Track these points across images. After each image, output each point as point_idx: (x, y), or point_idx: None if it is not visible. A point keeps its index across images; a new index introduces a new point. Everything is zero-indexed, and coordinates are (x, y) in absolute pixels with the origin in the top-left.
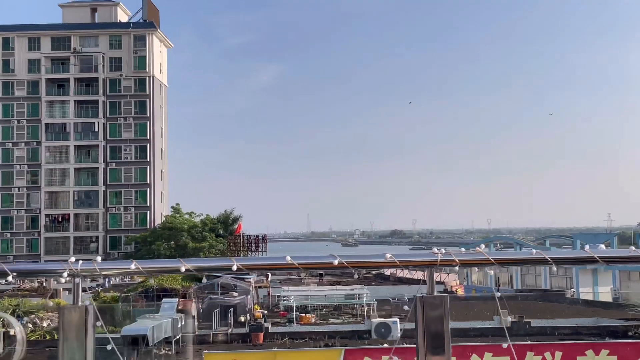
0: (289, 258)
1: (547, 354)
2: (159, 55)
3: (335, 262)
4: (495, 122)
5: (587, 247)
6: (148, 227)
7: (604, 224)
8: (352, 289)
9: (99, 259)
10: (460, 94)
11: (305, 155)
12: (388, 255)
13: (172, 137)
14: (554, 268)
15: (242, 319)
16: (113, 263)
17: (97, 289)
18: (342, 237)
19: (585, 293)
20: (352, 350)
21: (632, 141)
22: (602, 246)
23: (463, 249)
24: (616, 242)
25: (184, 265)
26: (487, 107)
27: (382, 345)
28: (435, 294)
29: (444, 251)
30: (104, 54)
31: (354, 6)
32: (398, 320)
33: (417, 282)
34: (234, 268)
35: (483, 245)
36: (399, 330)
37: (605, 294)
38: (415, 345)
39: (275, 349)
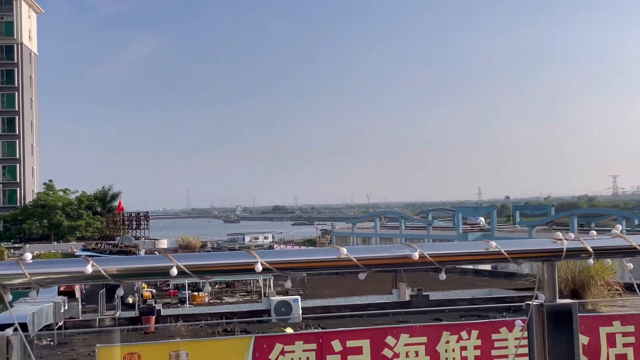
0: (344, 252)
1: (464, 333)
2: (27, 21)
3: (415, 256)
4: (369, 100)
5: (480, 219)
6: (18, 204)
7: (474, 197)
8: None
9: (28, 256)
10: (337, 65)
11: (184, 129)
12: (493, 244)
13: (44, 109)
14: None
15: (131, 300)
16: (56, 264)
17: None
18: (223, 213)
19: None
20: (262, 338)
21: (499, 121)
22: (482, 219)
23: (594, 232)
24: (495, 214)
25: (175, 265)
26: (361, 84)
27: (285, 328)
28: (559, 300)
29: (572, 236)
30: None
31: None
32: (299, 297)
33: None
34: (259, 268)
35: (619, 227)
36: (300, 309)
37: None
38: None
39: (178, 339)
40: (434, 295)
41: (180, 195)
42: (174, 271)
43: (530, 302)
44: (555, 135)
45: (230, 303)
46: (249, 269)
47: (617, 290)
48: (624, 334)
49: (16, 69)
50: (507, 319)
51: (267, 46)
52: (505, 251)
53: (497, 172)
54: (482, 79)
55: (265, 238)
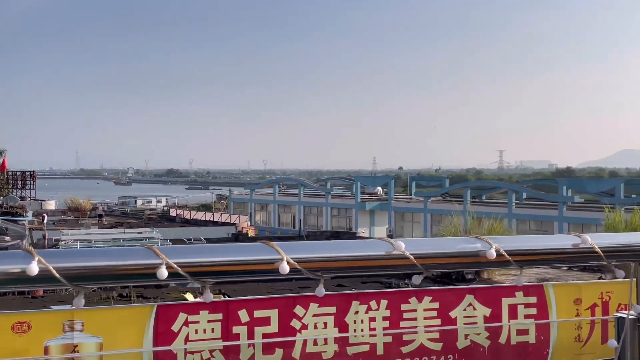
0: (400, 247)
1: (373, 303)
2: None
3: (492, 254)
4: (271, 65)
5: (378, 188)
6: None
7: (370, 167)
8: (141, 232)
9: None
10: (224, 29)
11: (74, 86)
12: (588, 240)
13: None
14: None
15: None
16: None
17: None
18: (114, 175)
19: (361, 230)
20: (165, 307)
21: (393, 92)
22: (379, 188)
23: None
24: (393, 184)
25: (164, 264)
26: (262, 49)
27: (185, 294)
28: None
29: None
30: None
31: None
32: None
33: (205, 223)
34: (285, 269)
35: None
36: None
37: (381, 233)
38: None
39: (71, 306)
40: None
41: (68, 155)
42: (163, 273)
43: (623, 315)
44: (445, 110)
45: None
46: (270, 270)
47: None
48: (526, 305)
49: None
50: (418, 288)
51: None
52: (602, 249)
53: (390, 143)
54: (389, 52)
55: (159, 202)
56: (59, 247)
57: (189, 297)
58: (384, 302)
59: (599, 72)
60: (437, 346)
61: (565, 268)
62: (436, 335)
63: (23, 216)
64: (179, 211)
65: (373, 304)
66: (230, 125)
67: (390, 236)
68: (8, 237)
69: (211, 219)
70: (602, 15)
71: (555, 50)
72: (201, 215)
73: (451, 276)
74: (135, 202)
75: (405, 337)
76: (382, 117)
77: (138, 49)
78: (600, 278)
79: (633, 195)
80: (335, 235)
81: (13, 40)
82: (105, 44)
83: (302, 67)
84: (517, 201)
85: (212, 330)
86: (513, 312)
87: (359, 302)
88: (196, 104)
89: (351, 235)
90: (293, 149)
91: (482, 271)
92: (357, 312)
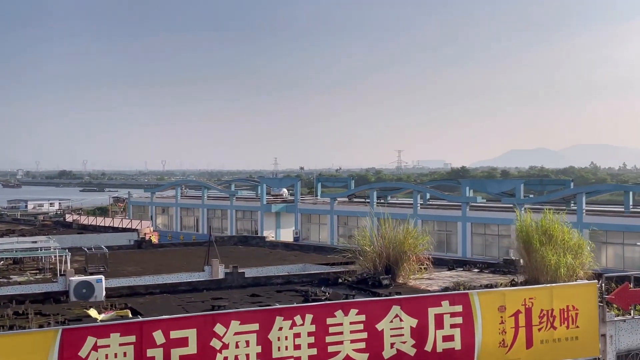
0: None
1: (297, 318)
2: None
3: None
4: (165, 66)
5: (284, 190)
6: None
7: (270, 167)
8: (35, 241)
9: None
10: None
11: None
12: None
13: None
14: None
15: None
16: None
17: None
18: (2, 177)
19: (268, 234)
20: (71, 331)
21: (291, 92)
22: (285, 190)
23: None
24: (299, 185)
25: None
26: (157, 50)
27: (89, 310)
28: None
29: None
30: None
31: None
32: (103, 277)
33: (105, 229)
34: None
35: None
36: (104, 290)
37: (287, 235)
38: None
39: None
40: (250, 272)
41: None
42: None
43: None
44: (343, 110)
45: (20, 283)
46: None
47: (427, 265)
48: (452, 314)
49: None
50: (343, 300)
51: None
52: None
53: (291, 142)
54: (286, 51)
55: (52, 205)
56: None
57: (93, 313)
58: (309, 317)
59: (488, 75)
60: (363, 357)
61: (476, 270)
62: (362, 345)
63: None
64: (75, 216)
65: (298, 319)
66: (125, 125)
67: (296, 239)
68: None
69: (110, 224)
70: (482, 18)
71: (447, 52)
72: (100, 221)
73: (367, 282)
74: (26, 205)
75: (330, 349)
76: (280, 116)
77: (37, 45)
78: (512, 281)
79: (531, 195)
80: (244, 239)
81: None
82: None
83: (197, 66)
84: (421, 201)
85: (125, 354)
86: (439, 322)
87: (282, 318)
88: (88, 104)
89: (260, 239)
90: (191, 149)
91: (398, 275)
92: (281, 329)
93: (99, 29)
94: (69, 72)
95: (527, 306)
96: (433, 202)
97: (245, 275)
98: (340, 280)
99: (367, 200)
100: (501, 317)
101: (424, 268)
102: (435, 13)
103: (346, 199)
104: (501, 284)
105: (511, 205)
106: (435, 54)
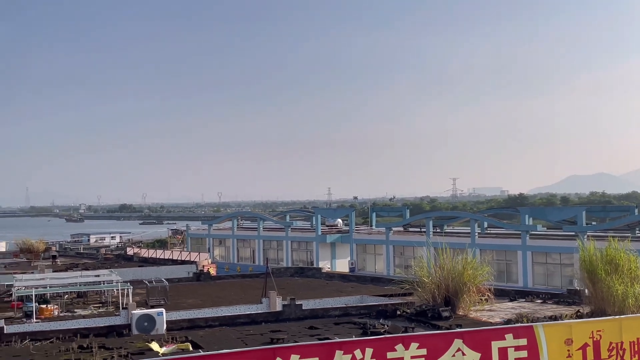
0: None
1: (357, 352)
2: None
3: None
4: (219, 97)
5: (338, 220)
6: None
7: (324, 197)
8: (98, 275)
9: None
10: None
11: (20, 122)
12: None
13: None
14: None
15: None
16: None
17: None
18: (66, 212)
19: (324, 265)
20: None
21: (347, 122)
22: (340, 220)
23: None
24: (354, 216)
25: None
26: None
27: (151, 343)
28: None
29: None
30: None
31: None
32: (164, 311)
33: (164, 262)
34: None
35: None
36: (164, 323)
37: (343, 266)
38: None
39: None
40: (307, 304)
41: (18, 192)
42: None
43: None
44: (396, 139)
45: (84, 316)
46: None
47: (487, 296)
48: (516, 348)
49: None
50: (403, 333)
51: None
52: None
53: (344, 172)
54: (331, 80)
55: (113, 238)
56: (11, 294)
57: (155, 346)
58: (369, 351)
59: (547, 103)
60: None
61: (539, 301)
62: None
63: None
64: (136, 250)
65: (358, 353)
66: (183, 158)
67: (352, 269)
68: None
69: (170, 257)
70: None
71: (504, 82)
72: (159, 254)
73: (427, 314)
74: (89, 239)
75: None
76: (335, 144)
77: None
78: (577, 312)
79: (593, 222)
80: (300, 271)
81: None
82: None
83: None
84: (479, 230)
85: None
86: (503, 356)
87: (342, 352)
88: (147, 139)
89: (316, 270)
90: (246, 181)
91: (458, 307)
92: None
93: (159, 67)
94: (129, 109)
95: (595, 339)
96: (491, 231)
97: (303, 307)
98: (398, 312)
99: (423, 229)
100: (568, 350)
101: (485, 299)
102: (488, 46)
103: (401, 229)
104: (566, 316)
105: (573, 234)
106: (486, 81)
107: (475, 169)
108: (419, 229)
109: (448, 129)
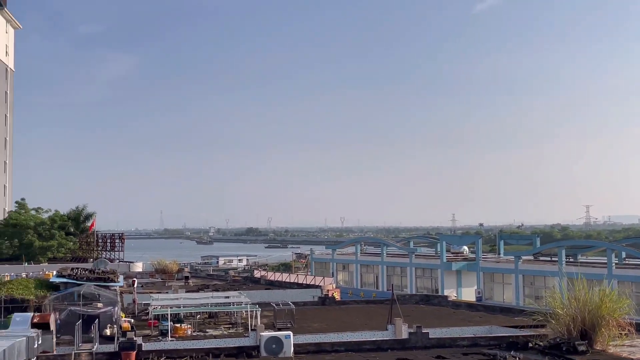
0: None
1: None
2: (5, 36)
3: None
4: (344, 124)
5: (464, 248)
6: None
7: (448, 223)
8: (228, 296)
9: None
10: (310, 95)
11: (159, 151)
12: None
13: (19, 126)
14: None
15: (109, 331)
16: None
17: None
18: (196, 234)
19: (449, 293)
20: None
21: (470, 147)
22: (465, 247)
23: None
24: (480, 243)
25: None
26: (334, 109)
27: None
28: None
29: None
30: None
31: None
32: (291, 334)
33: (290, 285)
34: None
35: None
36: (292, 346)
37: (469, 295)
38: None
39: None
40: (434, 333)
41: (153, 214)
42: None
43: None
44: (525, 163)
45: (215, 337)
46: None
47: (628, 331)
48: None
49: None
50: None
51: (248, 66)
52: None
53: (469, 198)
54: (454, 106)
55: (240, 261)
56: (148, 312)
57: None
58: None
59: None
60: None
61: None
62: None
63: (114, 282)
64: (262, 272)
65: None
66: (307, 183)
67: (479, 298)
68: (100, 304)
69: (295, 280)
70: None
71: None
72: (285, 277)
73: (561, 347)
74: (218, 261)
75: None
76: (459, 171)
77: (216, 109)
78: None
79: None
80: (425, 298)
81: (102, 105)
82: (186, 105)
83: (366, 128)
84: (616, 260)
85: None
86: None
87: None
88: (272, 162)
89: (442, 298)
90: (369, 205)
91: (595, 342)
92: None
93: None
94: (252, 135)
95: None
96: (630, 262)
97: (430, 336)
98: (530, 345)
99: (554, 259)
100: None
101: (625, 334)
102: (574, 56)
103: (531, 258)
104: None
105: None
106: (623, 104)
107: (611, 195)
108: (549, 258)
109: (578, 154)
